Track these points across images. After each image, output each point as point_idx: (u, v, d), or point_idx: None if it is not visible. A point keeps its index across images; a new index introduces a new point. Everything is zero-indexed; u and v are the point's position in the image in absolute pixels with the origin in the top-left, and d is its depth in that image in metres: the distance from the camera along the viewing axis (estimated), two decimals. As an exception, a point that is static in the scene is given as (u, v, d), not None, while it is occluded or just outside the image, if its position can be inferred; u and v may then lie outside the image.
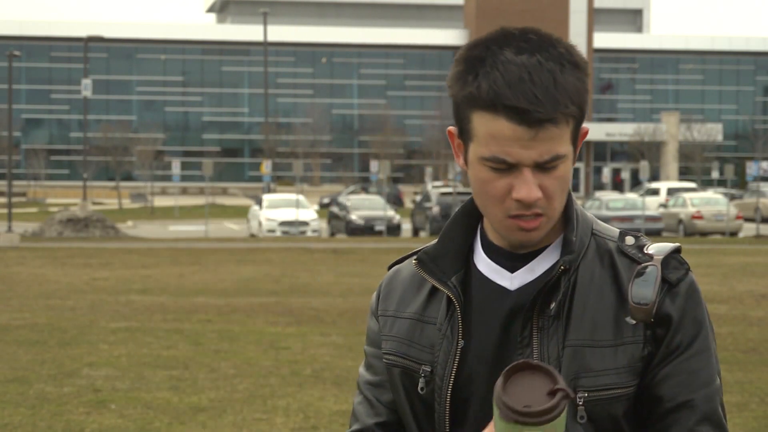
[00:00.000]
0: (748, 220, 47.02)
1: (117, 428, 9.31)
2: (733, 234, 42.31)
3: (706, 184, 74.13)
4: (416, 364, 2.12)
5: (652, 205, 46.86)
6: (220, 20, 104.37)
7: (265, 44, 61.53)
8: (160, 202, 69.50)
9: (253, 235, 41.81)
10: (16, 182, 64.91)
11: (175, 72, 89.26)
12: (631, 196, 48.66)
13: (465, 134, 2.03)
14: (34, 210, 61.43)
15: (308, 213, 42.05)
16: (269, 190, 54.69)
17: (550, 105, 1.94)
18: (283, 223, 40.92)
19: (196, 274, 23.69)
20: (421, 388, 2.11)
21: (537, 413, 1.84)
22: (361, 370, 2.28)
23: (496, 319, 2.08)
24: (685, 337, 2.06)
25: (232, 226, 48.57)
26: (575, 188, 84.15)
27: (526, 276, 2.08)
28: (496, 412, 1.86)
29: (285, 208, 41.93)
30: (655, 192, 53.65)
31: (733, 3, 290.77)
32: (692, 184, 58.61)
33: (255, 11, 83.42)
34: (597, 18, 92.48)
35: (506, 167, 1.98)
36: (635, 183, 73.06)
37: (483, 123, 1.98)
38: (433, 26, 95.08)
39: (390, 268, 2.29)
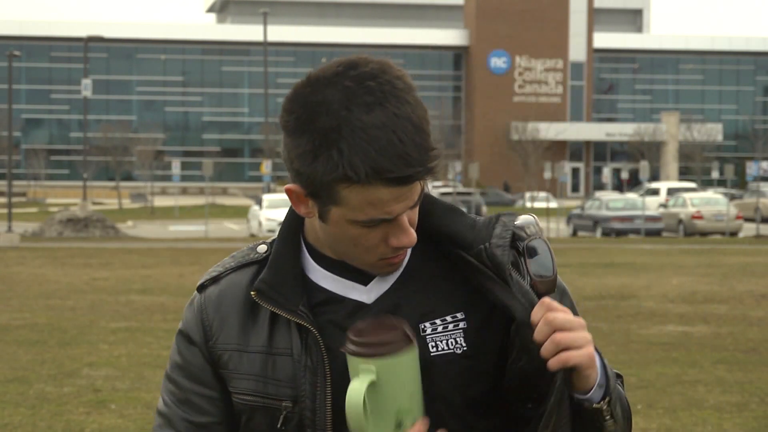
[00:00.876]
0: (748, 220, 47.02)
1: (117, 428, 9.31)
2: (733, 234, 42.31)
3: (706, 184, 74.13)
4: (276, 401, 2.00)
5: (652, 205, 46.87)
6: (220, 20, 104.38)
7: (265, 44, 61.53)
8: (160, 202, 69.49)
9: (253, 235, 41.81)
10: (16, 182, 64.92)
11: (175, 72, 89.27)
12: (631, 196, 48.67)
13: (324, 199, 1.95)
14: (34, 210, 61.43)
15: (308, 213, 42.02)
16: (269, 190, 54.69)
17: (423, 159, 1.90)
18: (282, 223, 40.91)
19: (196, 274, 23.68)
20: (281, 427, 2.00)
21: (371, 344, 1.88)
22: (171, 409, 2.10)
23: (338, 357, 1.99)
24: None
25: (232, 226, 48.57)
26: (575, 188, 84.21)
27: (380, 286, 2.03)
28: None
29: (285, 208, 41.76)
30: (655, 192, 53.67)
31: (733, 3, 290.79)
32: (692, 184, 58.62)
33: (255, 11, 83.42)
34: (597, 18, 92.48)
35: (380, 221, 1.94)
36: (635, 183, 73.06)
37: (355, 194, 1.90)
38: (433, 26, 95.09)
39: (202, 289, 2.11)
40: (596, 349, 1.97)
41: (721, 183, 77.67)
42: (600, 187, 77.73)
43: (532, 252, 2.02)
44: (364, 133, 1.87)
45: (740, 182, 75.51)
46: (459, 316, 2.04)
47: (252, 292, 2.04)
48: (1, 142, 64.28)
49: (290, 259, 2.06)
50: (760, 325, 15.62)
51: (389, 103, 1.90)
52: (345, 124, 1.88)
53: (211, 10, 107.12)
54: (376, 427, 1.90)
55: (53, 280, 22.13)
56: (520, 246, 2.03)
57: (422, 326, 2.01)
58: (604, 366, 1.98)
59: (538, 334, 1.91)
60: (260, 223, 41.43)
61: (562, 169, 56.84)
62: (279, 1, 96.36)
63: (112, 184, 78.72)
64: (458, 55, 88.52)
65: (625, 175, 66.95)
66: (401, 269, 2.05)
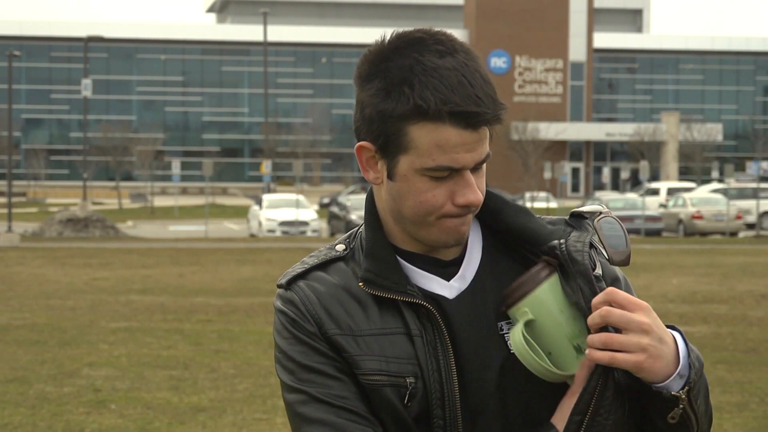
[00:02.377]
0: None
1: (117, 428, 9.31)
2: (733, 234, 42.32)
3: (706, 184, 74.13)
4: (401, 378, 2.01)
5: (652, 205, 46.87)
6: (220, 20, 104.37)
7: (265, 44, 61.53)
8: (160, 202, 69.48)
9: (253, 235, 41.81)
10: (16, 182, 64.91)
11: (175, 72, 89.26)
12: (631, 196, 48.67)
13: (393, 147, 1.98)
14: (34, 210, 61.42)
15: (308, 213, 42.05)
16: (269, 190, 54.69)
17: (492, 104, 1.96)
18: (283, 223, 40.92)
19: (196, 274, 23.69)
20: (407, 403, 2.01)
21: (513, 289, 1.98)
22: (315, 387, 2.03)
23: (448, 329, 2.04)
24: None
25: (232, 226, 48.57)
26: (575, 188, 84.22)
27: (461, 284, 2.06)
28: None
29: (285, 208, 41.93)
30: (655, 192, 53.69)
31: (733, 3, 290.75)
32: (692, 184, 58.63)
33: (255, 11, 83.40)
34: (597, 18, 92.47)
35: (447, 174, 1.98)
36: (635, 183, 73.06)
37: (425, 134, 1.95)
38: (433, 26, 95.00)
39: (290, 285, 2.09)
40: (683, 337, 2.00)
41: (721, 183, 77.69)
42: (600, 187, 77.72)
43: (604, 228, 2.05)
44: (436, 72, 1.95)
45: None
46: None
47: (360, 284, 2.05)
48: (1, 142, 64.27)
49: (385, 245, 2.08)
50: (760, 325, 15.62)
51: (459, 54, 1.98)
52: (417, 64, 1.96)
53: (211, 10, 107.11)
54: (560, 360, 1.98)
55: (53, 280, 22.13)
56: (593, 223, 2.07)
57: (500, 325, 2.05)
58: (688, 355, 1.99)
59: (590, 320, 1.95)
60: (260, 223, 41.42)
61: (562, 169, 56.86)
62: (279, 1, 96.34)
63: (112, 184, 78.70)
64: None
65: (625, 175, 66.94)
66: (477, 265, 2.08)
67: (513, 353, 2.01)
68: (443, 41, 1.99)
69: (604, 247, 2.04)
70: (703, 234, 42.12)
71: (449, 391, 2.01)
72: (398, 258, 2.08)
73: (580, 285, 1.99)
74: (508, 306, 2.00)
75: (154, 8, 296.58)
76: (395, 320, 2.04)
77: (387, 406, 2.02)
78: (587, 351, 1.94)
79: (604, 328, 1.94)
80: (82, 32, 72.56)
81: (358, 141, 2.04)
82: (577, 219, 2.11)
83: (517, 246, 2.09)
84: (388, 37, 2.02)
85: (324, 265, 2.11)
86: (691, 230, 42.25)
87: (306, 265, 2.12)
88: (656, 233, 41.76)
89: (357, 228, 2.15)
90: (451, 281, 2.06)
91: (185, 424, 9.44)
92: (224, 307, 17.55)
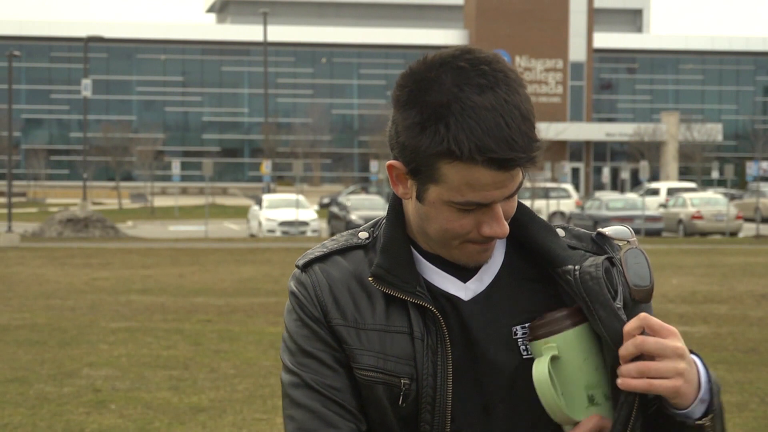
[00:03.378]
0: (748, 220, 47.03)
1: (117, 428, 9.31)
2: (733, 234, 42.32)
3: (706, 184, 74.12)
4: (395, 378, 2.02)
5: (652, 205, 46.87)
6: (220, 20, 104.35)
7: (265, 44, 61.52)
8: (160, 202, 69.48)
9: (253, 235, 41.81)
10: (16, 182, 64.91)
11: (175, 72, 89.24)
12: (631, 196, 48.67)
13: (424, 176, 1.98)
14: (34, 210, 61.42)
15: (308, 213, 42.05)
16: (269, 190, 54.68)
17: (527, 146, 1.93)
18: (283, 223, 40.92)
19: (196, 274, 23.69)
20: (401, 403, 2.02)
21: (547, 323, 1.99)
22: (309, 373, 2.05)
23: (459, 330, 2.05)
24: None
25: (232, 226, 48.57)
26: (575, 188, 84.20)
27: (477, 286, 2.07)
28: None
29: (285, 208, 41.93)
30: (655, 192, 53.67)
31: (733, 3, 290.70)
32: (692, 184, 58.62)
33: (255, 11, 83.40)
34: (597, 18, 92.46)
35: (477, 207, 1.98)
36: (635, 183, 73.05)
37: (456, 172, 1.94)
38: (433, 26, 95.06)
39: (306, 267, 2.11)
40: (702, 361, 1.99)
41: (721, 183, 77.66)
42: (600, 187, 77.71)
43: (629, 261, 2.03)
44: (473, 112, 1.92)
45: (740, 182, 75.51)
46: None
47: (369, 278, 2.06)
48: (1, 142, 64.27)
49: (401, 243, 2.08)
50: (760, 325, 15.62)
51: (500, 89, 1.94)
52: (455, 101, 1.92)
53: (211, 10, 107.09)
54: (570, 404, 1.98)
55: (53, 280, 22.13)
56: (617, 256, 2.07)
57: (514, 330, 2.05)
58: (709, 380, 1.98)
59: (623, 350, 1.94)
60: (260, 223, 41.42)
61: (562, 169, 56.83)
62: (279, 1, 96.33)
63: (112, 184, 78.69)
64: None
65: (625, 175, 66.91)
66: (497, 269, 2.09)
67: (525, 360, 2.02)
68: (485, 73, 1.94)
69: (627, 282, 2.03)
70: (703, 234, 42.12)
71: (441, 397, 2.02)
72: (416, 255, 2.09)
73: (599, 313, 1.99)
74: (535, 338, 2.01)
75: (154, 8, 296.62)
76: (401, 319, 2.05)
77: (376, 404, 2.04)
78: (620, 380, 1.93)
79: (637, 357, 1.94)
80: (82, 32, 72.54)
81: (392, 158, 2.04)
82: (602, 238, 2.12)
83: (538, 261, 2.10)
84: (430, 59, 1.99)
85: (343, 251, 2.12)
86: (691, 230, 42.24)
87: (325, 249, 2.13)
88: (656, 233, 41.76)
89: (382, 218, 2.16)
90: (468, 283, 2.07)
91: (185, 424, 9.44)
92: (224, 307, 17.55)
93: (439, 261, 2.08)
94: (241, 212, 55.49)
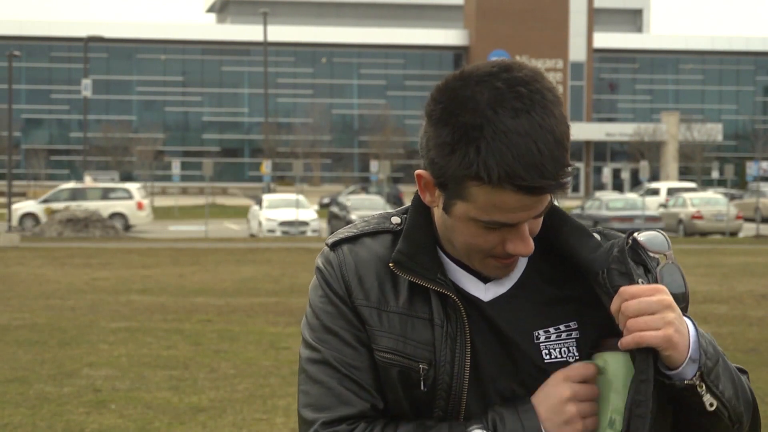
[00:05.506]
0: (748, 220, 47.02)
1: (117, 428, 9.31)
2: (733, 234, 42.32)
3: (706, 184, 74.12)
4: (413, 362, 2.04)
5: (652, 205, 46.87)
6: (220, 20, 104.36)
7: (265, 44, 61.53)
8: (160, 202, 69.48)
9: (253, 235, 41.80)
10: (16, 182, 64.91)
11: (175, 72, 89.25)
12: (631, 196, 48.67)
13: (452, 192, 1.98)
14: (34, 210, 61.36)
15: (308, 213, 42.05)
16: (269, 190, 54.67)
17: (557, 172, 1.92)
18: (283, 223, 40.92)
19: (196, 274, 23.68)
20: (423, 388, 2.04)
21: (607, 339, 2.02)
22: (329, 350, 2.06)
23: (474, 329, 2.05)
24: None
25: (232, 226, 48.56)
26: (575, 188, 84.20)
27: (497, 288, 2.07)
28: None
29: (285, 208, 41.92)
30: (655, 192, 53.67)
31: (733, 3, 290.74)
32: (692, 184, 58.62)
33: (255, 11, 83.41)
34: (597, 18, 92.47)
35: (502, 226, 1.98)
36: (635, 183, 73.05)
37: (484, 194, 1.94)
38: (433, 26, 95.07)
39: (335, 246, 2.12)
40: (694, 325, 2.00)
41: (721, 183, 77.67)
42: (600, 187, 77.72)
43: (665, 278, 2.03)
44: (506, 137, 1.90)
45: (740, 182, 75.50)
46: (572, 325, 2.08)
47: (390, 264, 2.07)
48: (1, 142, 64.28)
49: (425, 230, 2.09)
50: (760, 325, 15.62)
51: (535, 112, 1.91)
52: (488, 124, 1.91)
53: (211, 10, 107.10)
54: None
55: (53, 280, 22.12)
56: (653, 272, 2.06)
57: (536, 333, 2.05)
58: (698, 341, 1.99)
59: (619, 325, 1.97)
60: (260, 223, 41.42)
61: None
62: (279, 1, 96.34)
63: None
64: (458, 55, 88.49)
65: (625, 175, 66.92)
66: (520, 272, 2.09)
67: (547, 364, 2.03)
68: (522, 95, 1.91)
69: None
70: (703, 234, 42.12)
71: (458, 384, 2.03)
72: (440, 251, 2.09)
73: None
74: (599, 349, 2.04)
75: (154, 8, 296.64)
76: (423, 306, 2.05)
77: (392, 386, 2.05)
78: (620, 341, 1.96)
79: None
80: (82, 32, 72.56)
81: (422, 166, 2.04)
82: (636, 248, 2.09)
83: (566, 264, 2.10)
84: (468, 73, 1.96)
85: (373, 234, 2.13)
86: (691, 230, 42.25)
87: (356, 230, 2.14)
88: (656, 233, 41.70)
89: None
90: (488, 284, 2.07)
91: (185, 424, 9.44)
92: (224, 307, 17.55)
93: (460, 262, 2.09)
94: (241, 212, 55.48)
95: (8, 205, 40.57)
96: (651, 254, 2.08)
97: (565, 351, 2.05)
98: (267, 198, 44.14)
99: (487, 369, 2.04)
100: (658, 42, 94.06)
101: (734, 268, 25.28)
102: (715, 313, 16.92)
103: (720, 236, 41.74)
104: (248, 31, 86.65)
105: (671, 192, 53.00)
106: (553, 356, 2.04)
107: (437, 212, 2.07)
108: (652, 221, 41.74)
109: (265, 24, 61.37)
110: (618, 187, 77.10)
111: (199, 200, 69.50)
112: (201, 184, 77.72)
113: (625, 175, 67.56)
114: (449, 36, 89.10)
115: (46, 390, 10.82)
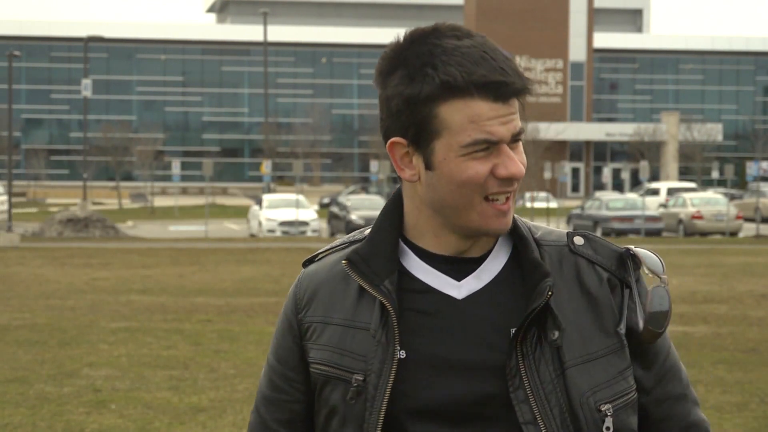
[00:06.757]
0: (748, 220, 47.02)
1: (117, 428, 9.31)
2: (733, 234, 42.30)
3: (706, 184, 74.11)
4: (348, 374, 2.01)
5: (652, 205, 46.86)
6: (220, 20, 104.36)
7: (265, 44, 61.53)
8: (160, 202, 69.47)
9: (253, 235, 41.80)
10: (16, 182, 64.90)
11: (175, 72, 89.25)
12: (631, 196, 48.66)
13: (428, 134, 1.96)
14: (34, 210, 61.41)
15: (308, 213, 42.05)
16: (269, 190, 54.67)
17: (518, 74, 1.96)
18: (283, 223, 40.92)
19: (196, 274, 23.68)
20: (350, 398, 2.01)
21: None
22: (262, 380, 2.18)
23: (444, 330, 2.01)
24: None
25: (232, 226, 48.56)
26: (575, 188, 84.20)
27: (473, 284, 2.03)
28: None
29: (285, 208, 41.93)
30: (655, 192, 53.66)
31: (733, 3, 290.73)
32: (692, 184, 58.60)
33: (255, 11, 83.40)
34: (597, 18, 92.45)
35: (486, 149, 1.95)
36: (635, 183, 73.05)
37: (457, 111, 1.94)
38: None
39: (306, 264, 2.17)
40: None
41: (721, 183, 77.66)
42: (600, 187, 77.71)
43: (654, 300, 2.08)
44: (457, 50, 1.94)
45: (740, 182, 75.49)
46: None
47: (343, 261, 2.06)
48: (1, 142, 64.28)
49: (388, 235, 2.06)
50: (760, 325, 15.62)
51: (476, 37, 1.97)
52: (436, 47, 1.95)
53: (211, 10, 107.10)
54: None
55: (53, 280, 22.12)
56: (634, 280, 2.09)
57: (512, 331, 2.01)
58: None
59: None
60: (260, 223, 41.42)
61: (562, 169, 56.84)
62: (279, 1, 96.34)
63: (112, 184, 78.68)
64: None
65: (625, 175, 66.90)
66: (497, 271, 2.05)
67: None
68: (458, 28, 1.99)
69: (645, 318, 2.06)
70: (703, 234, 42.11)
71: (379, 396, 1.99)
72: (409, 253, 2.05)
73: None
74: None
75: (154, 8, 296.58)
76: (366, 314, 2.03)
77: (329, 399, 2.05)
78: None
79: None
80: (82, 32, 72.55)
81: (389, 139, 2.02)
82: (630, 261, 2.10)
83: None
84: (402, 35, 2.02)
85: (342, 247, 2.13)
86: (691, 230, 42.24)
87: (327, 247, 2.16)
88: (656, 233, 41.74)
89: None
90: (463, 281, 2.03)
91: (185, 424, 9.44)
92: (224, 307, 17.54)
93: (434, 260, 2.04)
94: (241, 212, 55.48)
95: (8, 205, 40.53)
96: (646, 271, 2.09)
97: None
98: (267, 198, 44.15)
99: (419, 382, 1.99)
100: (658, 42, 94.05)
101: (734, 268, 25.27)
102: (715, 313, 16.92)
103: (720, 236, 41.73)
104: (248, 31, 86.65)
105: (671, 192, 52.98)
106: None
107: (422, 189, 2.02)
108: (652, 221, 41.74)
109: (265, 24, 61.38)
110: (618, 187, 77.08)
111: (199, 200, 69.48)
112: (201, 184, 77.70)
113: (625, 175, 67.52)
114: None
115: (46, 390, 10.81)
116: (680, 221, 42.84)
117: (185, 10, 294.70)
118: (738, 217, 42.76)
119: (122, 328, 15.11)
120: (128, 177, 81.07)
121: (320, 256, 2.15)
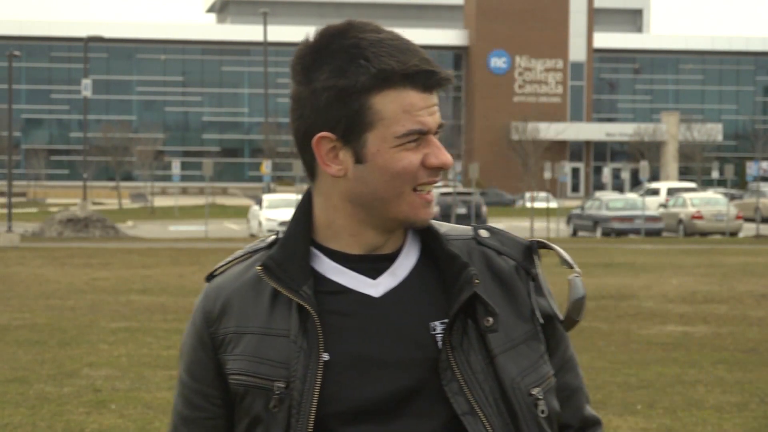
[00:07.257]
0: (748, 220, 47.02)
1: (117, 428, 9.31)
2: (733, 234, 42.31)
3: (706, 184, 74.11)
4: (268, 382, 1.99)
5: (652, 205, 46.87)
6: (220, 20, 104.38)
7: (265, 44, 61.54)
8: (160, 202, 69.48)
9: (253, 235, 41.81)
10: (16, 182, 64.90)
11: (175, 72, 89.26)
12: (631, 196, 48.67)
13: (360, 127, 1.98)
14: (34, 210, 61.42)
15: (308, 213, 42.04)
16: (269, 190, 54.68)
17: (439, 68, 2.01)
18: (283, 223, 40.91)
19: (196, 274, 23.68)
20: (273, 406, 1.98)
21: None
22: (176, 400, 2.14)
23: (365, 330, 2.00)
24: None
25: (232, 226, 48.56)
26: (575, 188, 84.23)
27: (389, 281, 2.03)
28: None
29: (285, 208, 41.94)
30: (655, 192, 53.66)
31: (733, 3, 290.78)
32: (692, 184, 58.61)
33: (255, 11, 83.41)
34: (597, 18, 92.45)
35: (416, 140, 1.99)
36: (635, 183, 73.06)
37: (391, 101, 1.97)
38: (433, 26, 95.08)
39: (210, 278, 2.15)
40: None
41: (721, 183, 77.65)
42: (600, 187, 77.72)
43: (574, 290, 2.09)
44: (383, 43, 1.99)
45: (740, 182, 75.51)
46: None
47: (258, 267, 2.04)
48: (1, 142, 64.23)
49: (300, 239, 2.05)
50: (760, 325, 15.62)
51: (392, 32, 2.03)
52: (362, 40, 1.99)
53: (211, 10, 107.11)
54: None
55: (53, 280, 22.12)
56: (538, 272, 2.11)
57: (432, 325, 2.01)
58: None
59: None
60: (260, 223, 41.44)
61: (562, 169, 56.85)
62: (279, 1, 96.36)
63: (112, 184, 78.70)
64: (458, 55, 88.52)
65: (625, 175, 66.91)
66: (410, 267, 2.05)
67: (440, 355, 1.99)
68: (371, 23, 2.04)
69: (567, 307, 2.08)
70: (703, 234, 42.11)
71: (307, 401, 1.97)
72: (321, 257, 2.05)
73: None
74: None
75: (154, 8, 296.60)
76: (283, 320, 2.02)
77: (250, 409, 2.02)
78: None
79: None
80: (82, 32, 72.55)
81: (313, 136, 2.02)
82: (534, 252, 2.12)
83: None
84: (314, 33, 2.04)
85: (246, 257, 2.12)
86: (691, 230, 42.24)
87: (230, 258, 2.14)
88: (656, 233, 41.74)
89: None
90: (379, 278, 2.02)
91: (185, 424, 9.43)
92: (224, 307, 17.53)
93: (348, 260, 2.04)
94: (241, 212, 55.47)
95: (8, 205, 40.53)
96: (564, 265, 2.11)
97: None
98: (267, 198, 44.16)
99: (365, 380, 1.98)
100: (658, 42, 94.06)
101: (734, 268, 25.27)
102: (715, 313, 16.92)
103: (720, 236, 41.73)
104: (248, 31, 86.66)
105: (671, 192, 52.98)
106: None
107: (346, 185, 2.01)
108: (652, 221, 41.75)
109: (265, 24, 61.37)
110: (618, 187, 77.09)
111: (199, 200, 69.49)
112: (201, 184, 77.70)
113: (625, 175, 67.53)
114: (449, 36, 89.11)
115: (46, 390, 10.81)
116: (680, 221, 42.85)
117: (185, 10, 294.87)
118: (738, 217, 42.77)
119: (122, 328, 15.11)
120: (128, 177, 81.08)
121: (221, 269, 2.13)
